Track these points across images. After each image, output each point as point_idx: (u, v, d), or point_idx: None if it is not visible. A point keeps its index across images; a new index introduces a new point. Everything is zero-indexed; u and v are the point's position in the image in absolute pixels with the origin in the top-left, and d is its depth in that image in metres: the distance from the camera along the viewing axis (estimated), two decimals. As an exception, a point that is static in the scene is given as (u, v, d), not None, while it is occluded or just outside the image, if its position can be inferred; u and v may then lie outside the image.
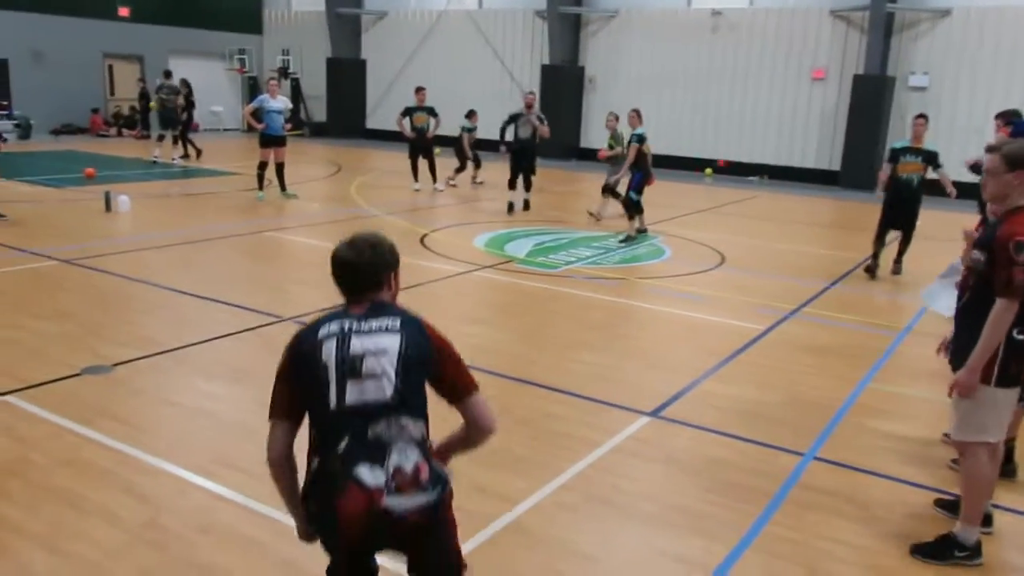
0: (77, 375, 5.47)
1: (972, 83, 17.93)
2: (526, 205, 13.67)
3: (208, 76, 26.16)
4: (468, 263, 9.48)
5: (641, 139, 11.21)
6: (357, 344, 2.43)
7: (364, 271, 2.60)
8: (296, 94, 26.25)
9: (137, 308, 7.26)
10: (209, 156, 18.96)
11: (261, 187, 13.40)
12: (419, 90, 15.60)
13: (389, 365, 2.42)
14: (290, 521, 3.75)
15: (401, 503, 2.35)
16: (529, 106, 14.10)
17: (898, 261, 9.99)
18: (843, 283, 9.50)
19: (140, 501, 3.92)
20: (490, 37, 23.94)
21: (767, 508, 4.15)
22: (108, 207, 11.63)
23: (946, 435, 5.03)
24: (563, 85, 22.33)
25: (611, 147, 12.90)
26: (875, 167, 18.80)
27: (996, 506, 4.11)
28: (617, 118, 12.94)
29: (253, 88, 26.35)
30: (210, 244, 9.94)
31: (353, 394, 2.40)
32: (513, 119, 13.86)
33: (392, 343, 2.46)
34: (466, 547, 3.65)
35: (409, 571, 2.61)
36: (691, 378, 6.01)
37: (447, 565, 2.63)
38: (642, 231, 11.54)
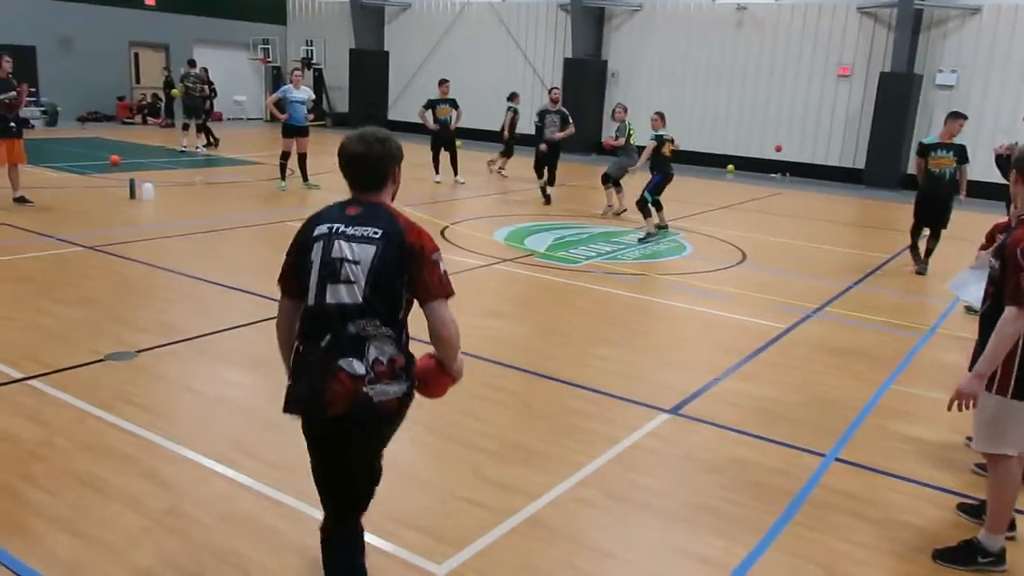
0: (101, 361, 5.53)
1: (1002, 82, 17.68)
2: (548, 199, 13.70)
3: (232, 66, 26.32)
4: (488, 256, 9.48)
5: (660, 140, 11.10)
6: (338, 249, 2.68)
7: (374, 164, 2.80)
8: (319, 85, 26.34)
9: (160, 295, 7.32)
10: (232, 145, 19.07)
11: (283, 177, 13.46)
12: (442, 83, 15.64)
13: (362, 274, 2.65)
14: (306, 509, 3.79)
15: (380, 391, 2.69)
16: (555, 101, 14.37)
17: (925, 261, 9.88)
18: (866, 283, 9.41)
19: (161, 487, 3.95)
20: (513, 30, 23.88)
21: (788, 509, 4.12)
22: (132, 194, 11.73)
23: (969, 439, 4.98)
24: (585, 79, 22.24)
25: (616, 137, 12.78)
26: (901, 166, 18.66)
27: (1019, 511, 4.06)
28: (625, 109, 12.94)
29: (276, 78, 26.47)
30: (232, 233, 10.00)
31: (332, 295, 2.67)
32: (541, 116, 14.17)
33: (367, 254, 2.66)
34: (484, 541, 3.67)
35: (334, 469, 2.84)
36: (711, 376, 5.98)
37: (374, 467, 2.93)
38: (662, 227, 11.48)
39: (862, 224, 14.62)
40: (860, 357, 6.67)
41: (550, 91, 14.98)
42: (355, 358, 2.65)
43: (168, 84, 22.34)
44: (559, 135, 13.93)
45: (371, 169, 2.82)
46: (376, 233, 2.69)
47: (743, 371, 6.16)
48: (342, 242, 2.69)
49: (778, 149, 18.82)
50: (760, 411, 5.38)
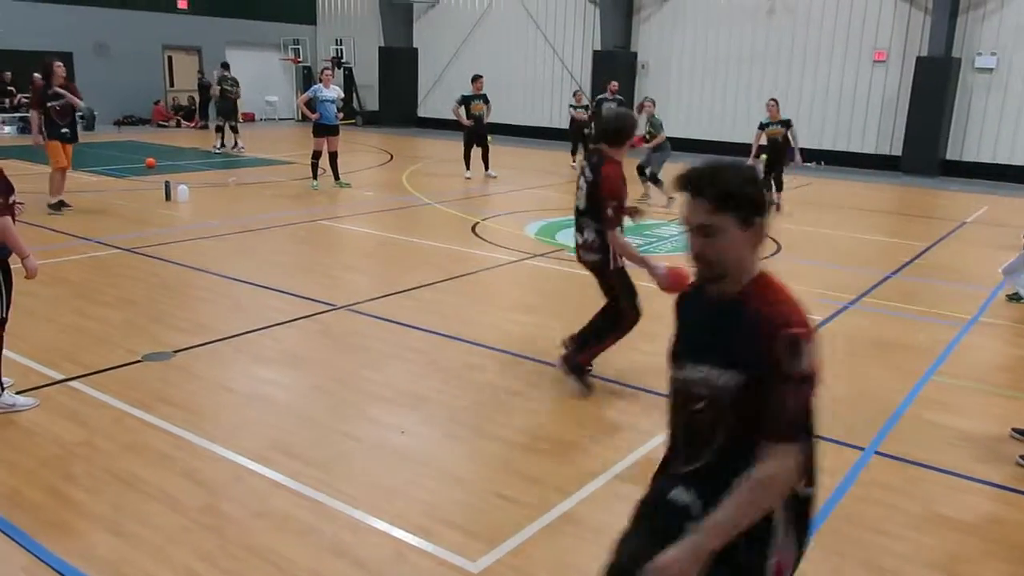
0: (138, 361, 5.61)
1: (1043, 64, 17.25)
2: None
3: (263, 66, 26.59)
4: (519, 252, 9.46)
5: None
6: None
7: None
8: (349, 83, 26.49)
9: (196, 295, 7.41)
10: (264, 145, 19.26)
11: (315, 176, 13.55)
12: (476, 79, 15.68)
13: (584, 191, 5.06)
14: (342, 508, 3.81)
15: (585, 256, 5.30)
16: (613, 92, 16.16)
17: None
18: (905, 272, 9.23)
19: (199, 486, 3.99)
20: (541, 23, 23.80)
21: (827, 502, 4.05)
22: (168, 196, 11.89)
23: (1014, 431, 4.86)
24: (615, 71, 22.03)
25: (649, 134, 12.87)
26: (940, 152, 18.29)
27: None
28: (653, 103, 13.11)
29: (307, 78, 26.67)
30: (266, 232, 10.10)
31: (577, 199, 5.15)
32: (599, 104, 15.74)
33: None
34: (519, 537, 3.65)
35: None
36: (747, 369, 5.88)
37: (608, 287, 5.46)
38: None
39: (900, 212, 14.35)
40: (899, 348, 6.54)
41: (609, 83, 16.92)
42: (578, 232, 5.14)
43: (203, 87, 22.64)
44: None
45: None
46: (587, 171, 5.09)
47: (779, 364, 6.06)
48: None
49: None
50: (797, 404, 5.29)
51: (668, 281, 4.80)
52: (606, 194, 5.04)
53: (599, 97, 15.89)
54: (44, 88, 10.63)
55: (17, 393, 4.86)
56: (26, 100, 20.56)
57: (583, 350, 5.40)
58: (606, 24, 21.93)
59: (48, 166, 10.87)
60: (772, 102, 13.33)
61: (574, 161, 17.31)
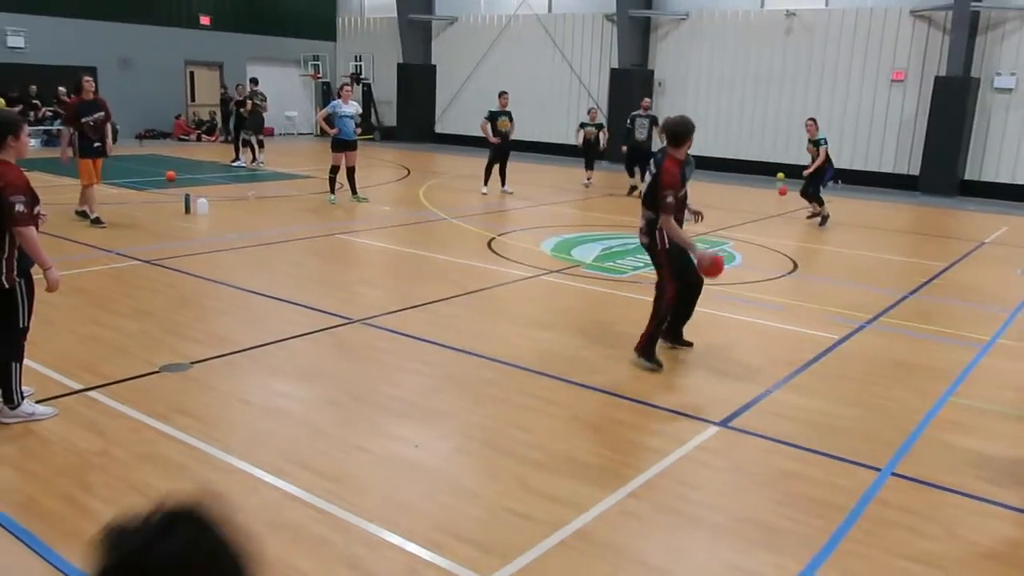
0: (156, 372, 5.65)
1: (1064, 84, 17.15)
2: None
3: (283, 82, 26.83)
4: (535, 267, 9.48)
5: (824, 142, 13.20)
6: None
7: None
8: (367, 99, 26.70)
9: (213, 307, 7.46)
10: (283, 160, 19.43)
11: (333, 190, 13.65)
12: (502, 95, 15.81)
13: (647, 183, 4.54)
14: (355, 520, 3.81)
15: (641, 238, 5.85)
16: (646, 108, 16.21)
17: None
18: (923, 292, 9.17)
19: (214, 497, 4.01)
20: (559, 41, 23.93)
21: (842, 524, 4.02)
22: (187, 209, 12.01)
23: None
24: (632, 88, 22.13)
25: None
26: (958, 171, 18.19)
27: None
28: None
29: (326, 93, 26.90)
30: (283, 246, 10.17)
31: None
32: (632, 120, 15.94)
33: None
34: (531, 554, 3.64)
35: None
36: (762, 388, 5.88)
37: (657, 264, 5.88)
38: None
39: (918, 232, 14.27)
40: (917, 368, 6.49)
41: (642, 100, 16.82)
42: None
43: (226, 102, 22.88)
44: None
45: None
46: None
47: (795, 383, 6.05)
48: None
49: (782, 193, 17.08)
50: (813, 424, 5.27)
51: (708, 263, 5.91)
52: (664, 184, 5.91)
53: (633, 114, 16.34)
54: (78, 104, 10.78)
55: (36, 402, 4.91)
56: (50, 113, 20.91)
57: (643, 338, 6.26)
58: (623, 42, 22.02)
59: (78, 180, 11.02)
60: (810, 121, 13.63)
61: (588, 177, 17.34)
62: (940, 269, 10.34)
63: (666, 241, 6.04)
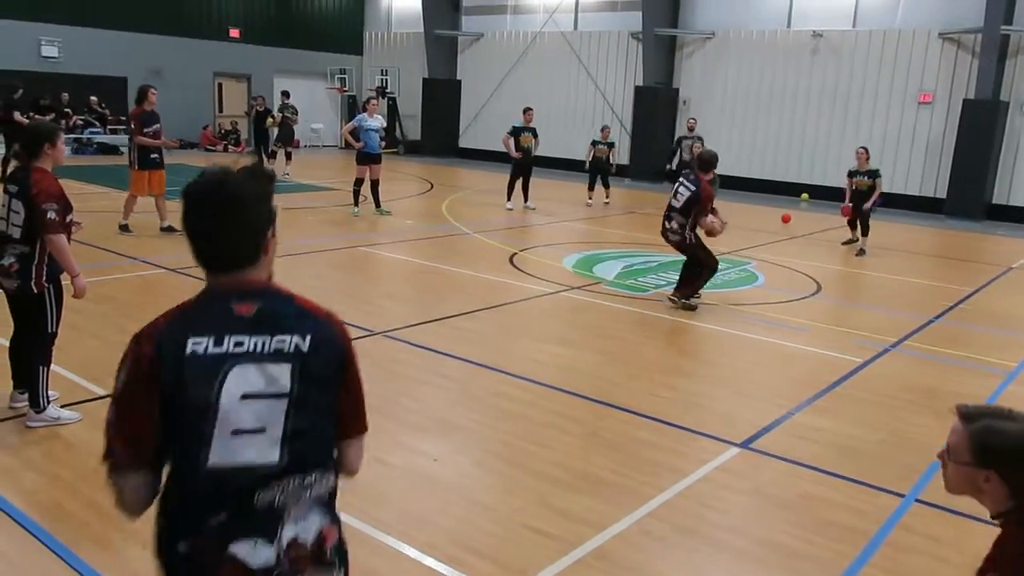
0: (179, 380, 5.68)
1: (1095, 109, 16.96)
2: None
3: (309, 94, 27.10)
4: (556, 283, 9.47)
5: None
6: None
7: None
8: (392, 113, 26.90)
9: (236, 317, 7.51)
10: (308, 172, 19.60)
11: (356, 203, 13.74)
12: (527, 110, 15.91)
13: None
14: (373, 533, 3.81)
15: (672, 237, 6.00)
16: (691, 129, 16.89)
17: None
18: (949, 316, 9.06)
19: (234, 506, 4.03)
20: (584, 58, 24.01)
21: (864, 550, 3.96)
22: (213, 219, 12.12)
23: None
24: (656, 107, 22.19)
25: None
26: (986, 195, 18.01)
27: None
28: (702, 141, 13.55)
29: (351, 107, 27.14)
30: (307, 257, 10.24)
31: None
32: (679, 142, 16.78)
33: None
34: (551, 570, 3.63)
35: None
36: (784, 410, 5.83)
37: (691, 253, 5.53)
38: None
39: (944, 255, 14.12)
40: (942, 394, 6.41)
41: (688, 120, 17.76)
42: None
43: (258, 113, 23.12)
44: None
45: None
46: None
47: (817, 405, 5.99)
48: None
49: (786, 220, 15.96)
50: (835, 447, 5.22)
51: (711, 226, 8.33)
52: (709, 198, 8.26)
53: (680, 136, 17.10)
54: (142, 114, 10.94)
55: (61, 407, 4.97)
56: (81, 122, 21.27)
57: (685, 287, 8.50)
58: (648, 60, 22.05)
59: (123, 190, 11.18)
60: (862, 150, 13.12)
61: (590, 198, 17.06)
62: (966, 294, 10.23)
63: (694, 236, 8.36)
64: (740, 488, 4.60)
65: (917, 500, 4.54)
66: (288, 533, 1.83)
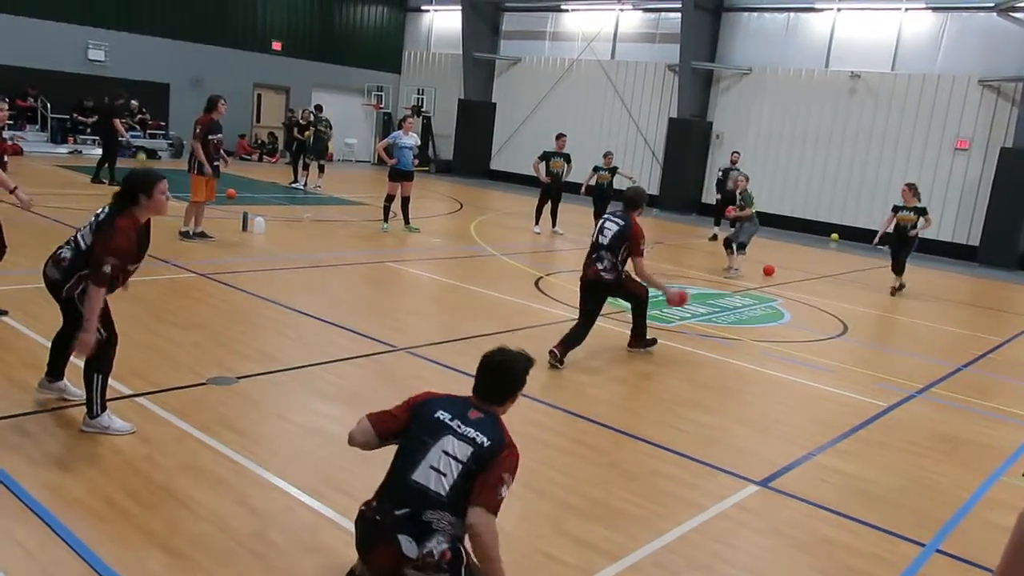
0: (203, 384, 5.75)
1: None
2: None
3: (345, 109, 27.43)
4: (581, 310, 9.45)
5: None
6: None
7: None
8: (426, 132, 27.14)
9: (263, 325, 7.59)
10: (340, 186, 19.81)
11: (386, 219, 13.85)
12: (559, 136, 16.03)
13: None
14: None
15: (604, 276, 5.89)
16: (734, 162, 17.29)
17: None
18: (977, 365, 8.94)
19: (251, 513, 4.05)
20: (619, 87, 24.12)
21: (882, 598, 3.90)
22: (245, 227, 12.28)
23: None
24: (689, 139, 22.22)
25: (740, 207, 12.89)
26: (1020, 245, 17.78)
27: None
28: (747, 179, 13.27)
29: (386, 124, 27.42)
30: (335, 270, 10.33)
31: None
32: (725, 173, 17.06)
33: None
34: (561, 599, 3.59)
35: None
36: (805, 450, 5.76)
37: (625, 293, 6.07)
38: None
39: (975, 304, 13.94)
40: (967, 443, 6.31)
41: (732, 153, 18.02)
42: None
43: (294, 126, 23.45)
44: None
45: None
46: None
47: (839, 448, 5.92)
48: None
49: (768, 272, 13.42)
50: (855, 491, 5.15)
51: (674, 297, 7.75)
52: (639, 236, 7.39)
53: (724, 168, 17.50)
54: (210, 122, 11.21)
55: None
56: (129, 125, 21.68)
57: (641, 336, 8.01)
58: (684, 93, 22.11)
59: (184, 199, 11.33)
60: (908, 187, 12.89)
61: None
62: (996, 344, 10.08)
63: (623, 274, 7.56)
64: (757, 527, 4.55)
65: (938, 551, 4.47)
66: (429, 545, 3.06)
